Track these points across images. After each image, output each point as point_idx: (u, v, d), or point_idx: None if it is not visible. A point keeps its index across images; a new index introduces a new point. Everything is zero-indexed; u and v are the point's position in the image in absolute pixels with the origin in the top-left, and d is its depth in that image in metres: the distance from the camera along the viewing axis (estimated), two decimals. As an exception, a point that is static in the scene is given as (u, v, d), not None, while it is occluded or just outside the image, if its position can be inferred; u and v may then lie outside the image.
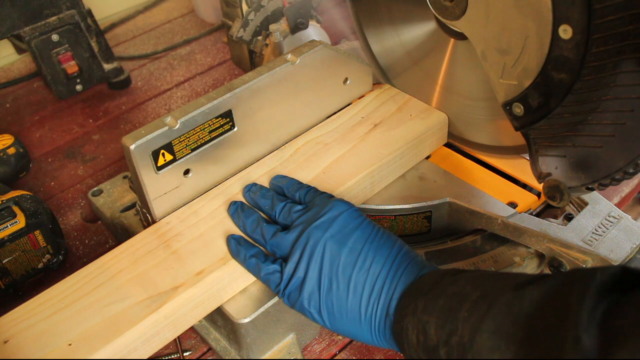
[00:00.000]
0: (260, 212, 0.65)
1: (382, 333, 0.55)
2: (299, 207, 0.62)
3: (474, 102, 0.74)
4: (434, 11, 0.68)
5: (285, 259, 0.59)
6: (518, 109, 0.61)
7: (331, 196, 0.63)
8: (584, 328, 0.38)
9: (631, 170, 0.56)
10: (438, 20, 0.71)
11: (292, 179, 0.68)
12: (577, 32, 0.52)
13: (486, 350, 0.45)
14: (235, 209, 0.65)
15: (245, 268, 0.61)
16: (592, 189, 0.60)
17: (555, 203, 0.63)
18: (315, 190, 0.65)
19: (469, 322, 0.47)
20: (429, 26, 0.74)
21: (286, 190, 0.66)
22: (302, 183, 0.67)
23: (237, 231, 0.65)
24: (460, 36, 0.70)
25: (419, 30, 0.76)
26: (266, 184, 0.70)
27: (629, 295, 0.40)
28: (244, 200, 0.68)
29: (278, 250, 0.60)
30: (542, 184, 0.64)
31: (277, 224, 0.63)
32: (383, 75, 0.85)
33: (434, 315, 0.50)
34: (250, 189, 0.68)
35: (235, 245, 0.62)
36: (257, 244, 0.62)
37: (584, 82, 0.54)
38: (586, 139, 0.57)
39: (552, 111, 0.58)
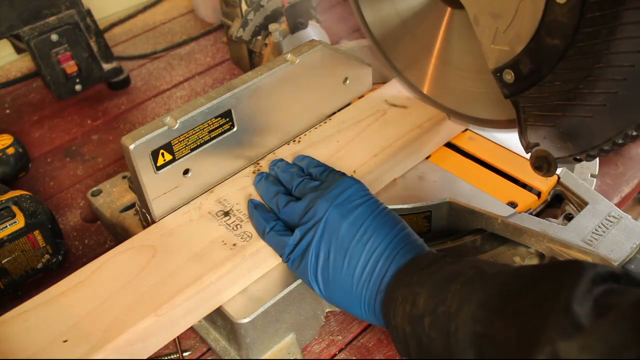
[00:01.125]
0: (281, 185, 0.68)
1: (371, 308, 0.57)
2: (315, 183, 0.65)
3: (470, 74, 0.73)
4: None
5: (294, 228, 0.61)
6: (508, 76, 0.60)
7: (344, 174, 0.66)
8: (578, 301, 0.38)
9: (620, 141, 0.55)
10: None
11: (312, 158, 0.71)
12: None
13: (469, 322, 0.45)
14: (260, 179, 0.70)
15: (256, 229, 0.65)
16: (579, 160, 0.59)
17: (541, 173, 0.62)
18: (331, 169, 0.67)
19: (460, 293, 0.48)
20: None
21: (305, 168, 0.70)
22: (320, 162, 0.70)
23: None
24: (457, 4, 0.68)
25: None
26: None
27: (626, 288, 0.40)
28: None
29: (288, 219, 0.63)
30: (529, 154, 0.63)
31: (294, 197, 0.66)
32: (377, 46, 0.83)
33: (427, 287, 0.51)
34: (276, 164, 0.71)
35: (252, 208, 0.66)
36: (272, 211, 0.66)
37: (577, 49, 0.53)
38: (576, 108, 0.56)
39: (543, 78, 0.57)
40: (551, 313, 0.38)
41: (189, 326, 0.61)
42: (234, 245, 0.63)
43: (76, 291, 0.60)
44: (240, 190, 0.70)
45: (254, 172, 0.72)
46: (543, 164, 0.61)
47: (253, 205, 0.66)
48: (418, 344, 0.50)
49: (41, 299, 0.59)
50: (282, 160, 0.72)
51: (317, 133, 0.78)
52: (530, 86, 0.59)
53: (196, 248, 0.63)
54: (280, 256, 0.63)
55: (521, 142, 0.63)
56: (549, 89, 0.57)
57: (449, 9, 0.71)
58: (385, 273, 0.56)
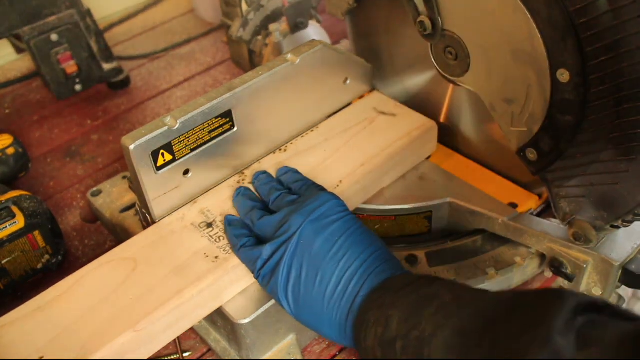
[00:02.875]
0: (258, 201, 0.67)
1: (342, 329, 0.54)
2: (292, 197, 0.63)
3: (476, 143, 0.77)
4: (438, 69, 0.70)
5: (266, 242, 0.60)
6: (532, 155, 0.62)
7: (323, 189, 0.64)
8: (558, 331, 0.37)
9: None
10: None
11: (294, 172, 0.69)
12: (574, 74, 0.53)
13: (443, 349, 0.43)
14: (238, 194, 0.68)
15: (231, 247, 0.62)
16: (617, 227, 0.60)
17: (581, 245, 0.63)
18: (311, 183, 0.66)
19: (434, 318, 0.46)
20: (431, 73, 0.78)
21: (285, 183, 0.68)
22: (302, 177, 0.68)
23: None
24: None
25: (422, 78, 0.81)
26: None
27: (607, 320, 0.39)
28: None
29: (262, 233, 0.61)
30: (566, 226, 0.64)
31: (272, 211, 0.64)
32: None
33: (400, 310, 0.49)
34: (258, 177, 0.70)
35: (226, 225, 0.64)
36: (248, 227, 0.64)
37: (590, 122, 0.55)
38: (602, 177, 0.57)
39: (564, 152, 0.59)
40: (531, 344, 0.37)
41: (168, 341, 0.59)
42: (216, 257, 0.62)
43: (52, 307, 0.58)
44: (224, 201, 0.68)
45: (238, 182, 0.71)
46: (581, 235, 0.62)
47: (228, 222, 0.64)
48: None
49: (17, 314, 0.58)
50: (264, 172, 0.70)
51: (303, 142, 0.76)
52: (553, 161, 0.61)
53: (178, 261, 0.62)
54: (252, 272, 0.60)
55: (557, 215, 0.64)
56: (572, 162, 0.59)
57: (451, 85, 0.76)
58: (357, 293, 0.53)
